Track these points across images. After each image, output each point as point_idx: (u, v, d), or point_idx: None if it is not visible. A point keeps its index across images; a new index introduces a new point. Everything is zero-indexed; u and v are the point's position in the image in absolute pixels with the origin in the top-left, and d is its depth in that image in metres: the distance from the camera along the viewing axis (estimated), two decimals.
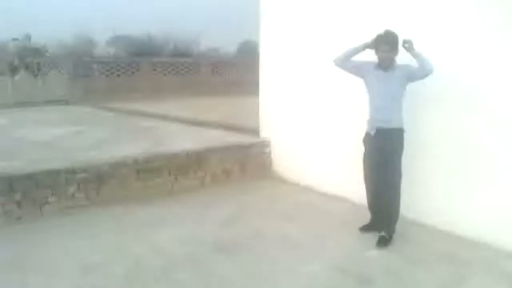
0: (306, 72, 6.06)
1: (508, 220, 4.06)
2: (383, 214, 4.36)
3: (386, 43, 4.12)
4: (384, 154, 4.22)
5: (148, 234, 4.49)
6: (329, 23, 5.63)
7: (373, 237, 4.30)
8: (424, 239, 4.37)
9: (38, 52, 18.92)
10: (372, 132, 4.29)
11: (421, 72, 4.07)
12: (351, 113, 5.39)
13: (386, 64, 4.18)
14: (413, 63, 4.11)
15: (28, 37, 27.99)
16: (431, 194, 4.64)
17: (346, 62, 4.46)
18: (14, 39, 26.48)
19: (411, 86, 4.23)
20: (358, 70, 4.43)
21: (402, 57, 4.18)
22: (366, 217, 4.57)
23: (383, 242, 4.20)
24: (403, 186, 4.42)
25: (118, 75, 15.63)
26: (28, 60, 17.60)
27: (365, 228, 4.51)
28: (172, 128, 8.38)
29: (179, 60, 17.50)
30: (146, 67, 16.28)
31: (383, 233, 4.25)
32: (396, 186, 4.26)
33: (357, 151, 4.69)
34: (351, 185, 5.29)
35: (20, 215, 4.76)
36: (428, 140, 4.60)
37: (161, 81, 16.49)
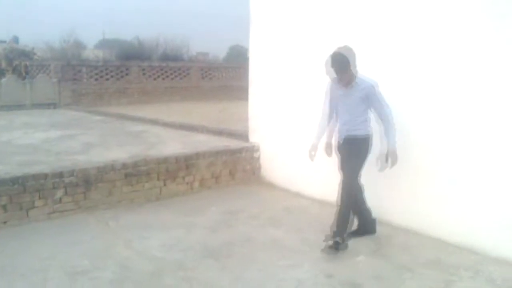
0: (295, 77, 6.09)
1: (493, 226, 4.10)
2: (365, 217, 4.54)
3: (332, 65, 4.23)
4: (347, 158, 4.37)
5: (136, 239, 4.47)
6: (318, 29, 5.67)
7: (360, 242, 4.33)
8: (411, 244, 4.40)
9: (26, 54, 18.72)
10: (341, 141, 4.44)
11: (380, 116, 4.29)
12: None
13: (341, 82, 4.31)
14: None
15: (15, 39, 27.77)
16: (417, 199, 4.67)
17: (328, 120, 4.66)
18: (1, 42, 26.25)
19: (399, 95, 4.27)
20: (333, 104, 4.54)
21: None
22: (354, 222, 4.59)
23: (334, 246, 4.11)
24: (390, 191, 4.45)
25: (107, 79, 15.55)
26: (15, 63, 17.46)
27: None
28: (161, 132, 8.36)
29: (169, 64, 17.46)
30: (135, 71, 16.23)
31: (337, 238, 4.16)
32: (350, 188, 4.27)
33: None
34: (336, 190, 5.32)
35: (6, 219, 4.70)
36: (414, 145, 4.64)
37: (151, 85, 16.46)
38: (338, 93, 4.39)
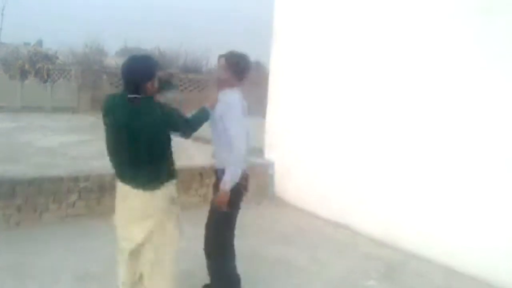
0: (314, 97, 6.10)
1: (507, 259, 4.03)
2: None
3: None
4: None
5: None
6: (340, 49, 5.69)
7: (371, 266, 4.28)
8: (423, 271, 4.35)
9: (49, 58, 19.03)
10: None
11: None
12: (357, 141, 5.42)
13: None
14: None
15: (39, 42, 28.33)
16: (433, 227, 4.62)
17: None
18: (26, 44, 26.79)
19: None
20: None
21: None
22: (366, 245, 4.55)
23: None
24: (406, 218, 4.39)
25: None
26: (38, 66, 17.77)
27: None
28: (176, 143, 8.38)
29: (188, 76, 17.59)
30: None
31: None
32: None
33: (361, 180, 4.69)
34: (352, 213, 5.30)
35: (19, 220, 4.75)
36: (429, 172, 4.61)
37: (169, 96, 16.54)
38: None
